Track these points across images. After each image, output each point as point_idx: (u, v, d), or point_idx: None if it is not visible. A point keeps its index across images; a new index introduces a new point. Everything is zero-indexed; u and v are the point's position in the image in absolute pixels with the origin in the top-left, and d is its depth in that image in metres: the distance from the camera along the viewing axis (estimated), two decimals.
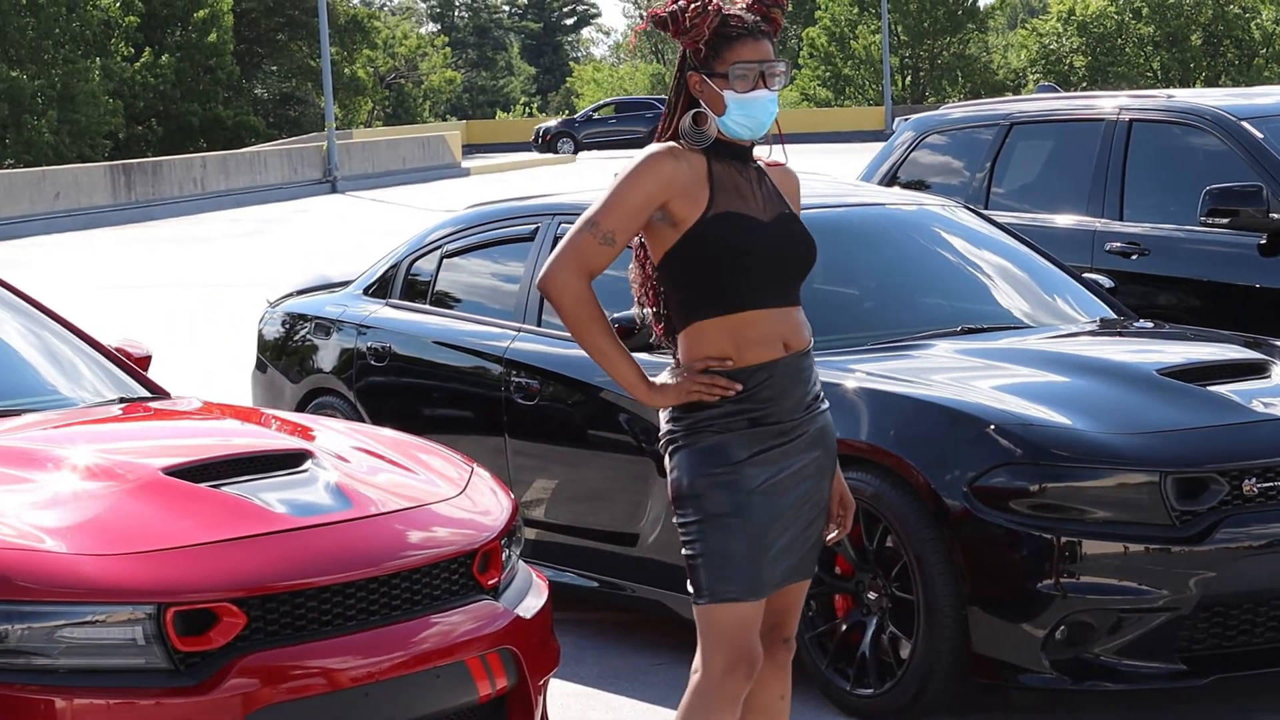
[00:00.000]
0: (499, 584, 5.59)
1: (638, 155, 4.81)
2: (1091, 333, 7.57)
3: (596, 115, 62.96)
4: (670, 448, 4.82)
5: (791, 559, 4.82)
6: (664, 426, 4.86)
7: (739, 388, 4.73)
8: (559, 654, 5.83)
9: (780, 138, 4.97)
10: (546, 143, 62.02)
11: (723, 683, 4.76)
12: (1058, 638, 6.13)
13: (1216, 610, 6.20)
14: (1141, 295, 9.07)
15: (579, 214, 8.03)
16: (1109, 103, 10.07)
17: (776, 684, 4.99)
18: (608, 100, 67.29)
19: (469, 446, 7.39)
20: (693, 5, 4.75)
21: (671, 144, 4.81)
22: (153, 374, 7.04)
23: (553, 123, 64.48)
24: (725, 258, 4.73)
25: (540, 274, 4.84)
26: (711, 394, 4.73)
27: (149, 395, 6.68)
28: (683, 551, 4.79)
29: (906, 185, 10.50)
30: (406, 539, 5.39)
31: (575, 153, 60.35)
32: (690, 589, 4.78)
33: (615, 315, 7.21)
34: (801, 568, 4.88)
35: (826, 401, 4.92)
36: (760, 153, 4.94)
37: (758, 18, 4.79)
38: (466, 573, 5.47)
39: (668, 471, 4.82)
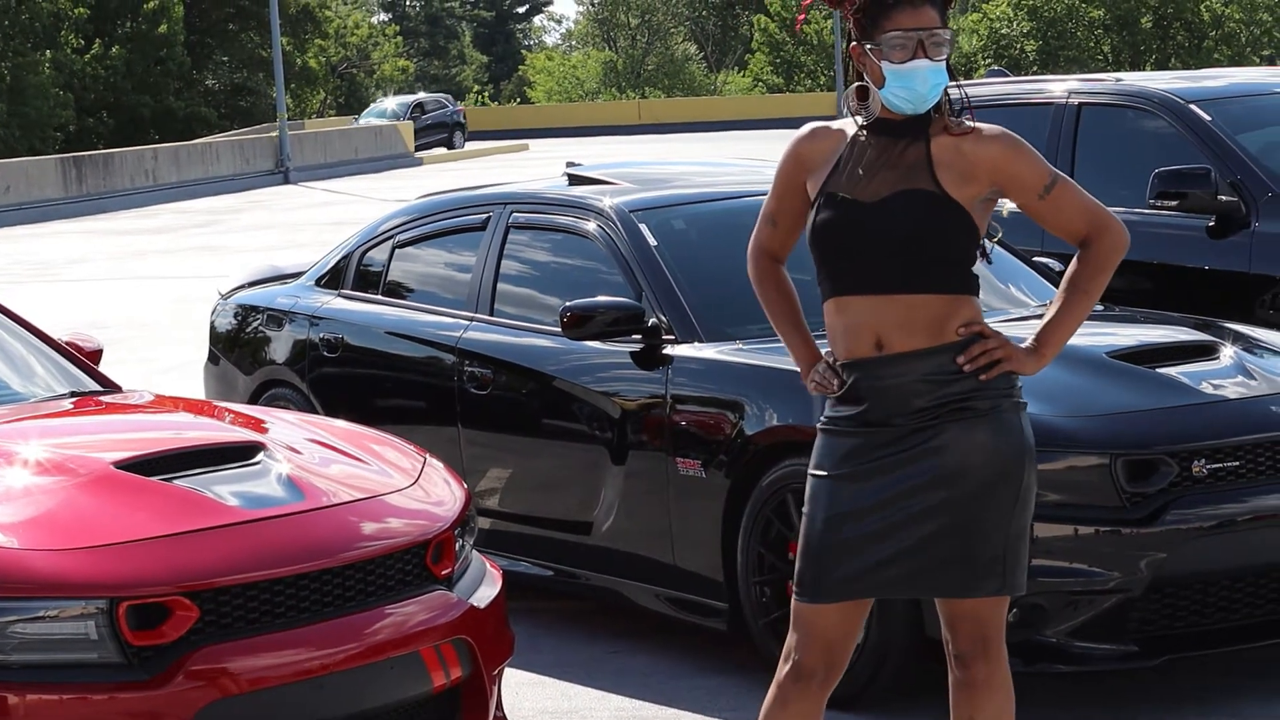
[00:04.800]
0: (453, 574, 5.59)
1: None
2: (1042, 317, 7.57)
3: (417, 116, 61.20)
4: None
5: (900, 569, 4.60)
6: None
7: (835, 385, 4.70)
8: (513, 643, 5.83)
9: (968, 103, 4.67)
10: None
11: (778, 671, 4.73)
12: (1010, 620, 6.13)
13: (1167, 591, 6.23)
14: None
15: (531, 204, 8.19)
16: (1058, 86, 10.10)
17: (962, 704, 4.80)
18: (412, 99, 64.79)
19: (422, 437, 7.39)
20: None
21: (817, 124, 4.76)
22: (104, 368, 7.02)
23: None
24: (814, 240, 4.68)
25: None
26: (818, 389, 4.75)
27: (100, 389, 6.66)
28: None
29: None
30: (359, 530, 5.39)
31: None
32: None
33: (568, 303, 7.25)
34: (918, 582, 4.64)
35: (973, 411, 4.62)
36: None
37: None
38: (420, 563, 5.47)
39: None
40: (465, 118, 63.36)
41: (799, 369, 4.87)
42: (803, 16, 5.64)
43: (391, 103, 63.88)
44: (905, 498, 4.59)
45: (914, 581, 4.66)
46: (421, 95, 65.42)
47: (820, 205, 4.66)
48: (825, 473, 4.68)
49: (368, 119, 60.30)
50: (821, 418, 4.77)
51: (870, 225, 4.59)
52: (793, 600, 4.73)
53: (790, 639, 4.74)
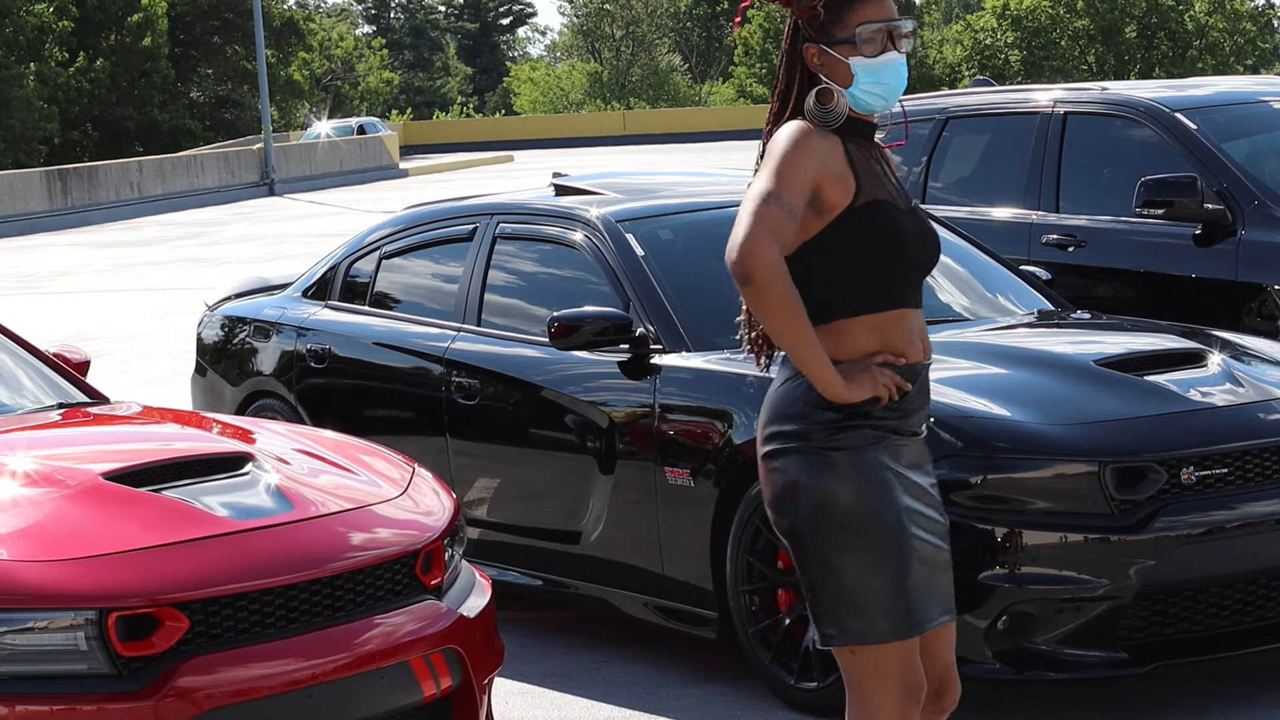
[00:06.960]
0: (442, 584, 5.59)
1: (786, 131, 4.29)
2: (1029, 325, 7.60)
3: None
4: (809, 454, 4.30)
5: (937, 592, 4.36)
6: (779, 427, 4.33)
7: (909, 388, 4.29)
8: (503, 653, 5.84)
9: (905, 116, 4.49)
10: None
11: None
12: (1000, 628, 6.16)
13: (1156, 598, 6.24)
14: (1078, 286, 9.11)
15: (517, 214, 8.19)
16: (1044, 95, 10.11)
17: None
18: (355, 122, 63.62)
19: (411, 447, 7.38)
20: None
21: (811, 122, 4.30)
22: (91, 379, 7.01)
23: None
24: (880, 250, 4.27)
25: (733, 251, 4.18)
26: (892, 389, 4.26)
27: (88, 401, 6.65)
28: (816, 584, 4.34)
29: None
30: (349, 540, 5.39)
31: None
32: (828, 629, 4.34)
33: (556, 314, 7.24)
34: (950, 605, 4.41)
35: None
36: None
37: None
38: (409, 573, 5.47)
39: (794, 486, 4.31)
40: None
41: (829, 380, 4.23)
42: (739, 18, 5.33)
43: (325, 126, 62.73)
44: (934, 518, 4.39)
45: (948, 605, 4.43)
46: (362, 119, 64.85)
47: (870, 213, 4.28)
48: (898, 499, 4.30)
49: (307, 141, 60.06)
50: (829, 435, 4.31)
51: (914, 236, 4.35)
52: (879, 651, 4.30)
53: (893, 687, 4.32)
